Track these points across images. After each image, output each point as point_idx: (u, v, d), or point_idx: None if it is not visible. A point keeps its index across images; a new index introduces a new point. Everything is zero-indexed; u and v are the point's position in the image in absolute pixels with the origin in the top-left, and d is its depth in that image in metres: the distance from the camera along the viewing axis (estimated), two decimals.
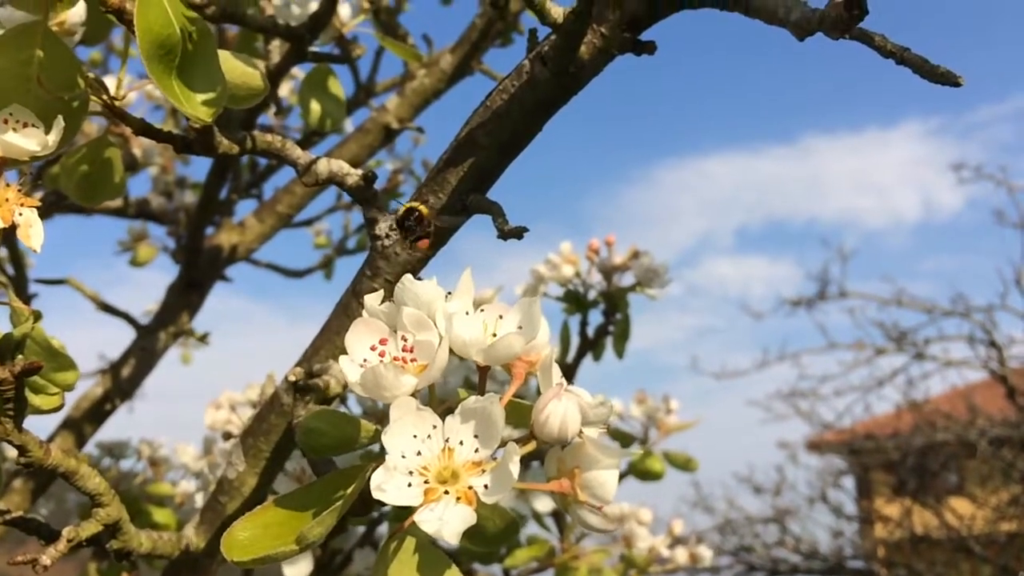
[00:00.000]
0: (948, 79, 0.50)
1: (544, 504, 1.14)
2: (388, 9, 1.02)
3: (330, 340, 0.67)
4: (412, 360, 0.41)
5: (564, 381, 0.43)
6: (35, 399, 0.55)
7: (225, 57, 0.54)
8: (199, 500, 0.86)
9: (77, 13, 0.58)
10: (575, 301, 1.24)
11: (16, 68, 0.51)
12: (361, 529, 1.02)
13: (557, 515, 1.23)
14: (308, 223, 1.94)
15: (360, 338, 0.42)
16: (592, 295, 1.25)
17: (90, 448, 1.24)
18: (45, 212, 0.50)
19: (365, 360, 0.42)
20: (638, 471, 1.33)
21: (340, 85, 0.91)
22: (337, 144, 1.19)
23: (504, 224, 0.59)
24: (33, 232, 0.46)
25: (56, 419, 1.24)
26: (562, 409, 0.41)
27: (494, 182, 0.63)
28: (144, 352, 1.15)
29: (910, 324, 6.55)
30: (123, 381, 1.16)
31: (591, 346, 1.24)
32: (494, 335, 0.43)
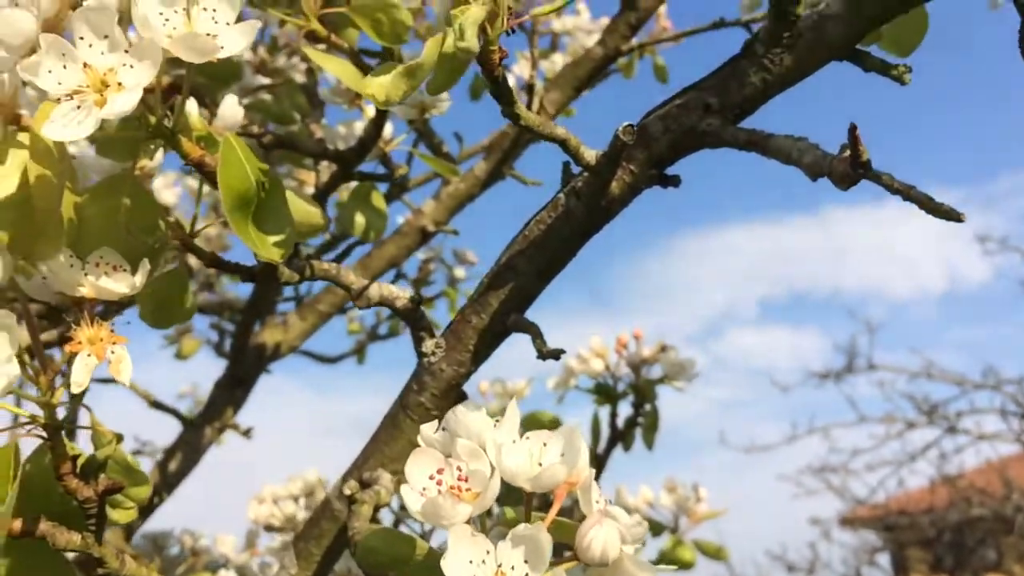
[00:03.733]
0: (951, 216, 0.54)
1: None
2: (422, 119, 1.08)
3: (379, 450, 0.71)
4: (467, 489, 0.46)
5: (603, 501, 0.47)
6: (112, 513, 0.60)
7: (290, 197, 0.60)
8: None
9: (157, 158, 0.64)
10: (605, 393, 1.28)
11: (106, 214, 0.57)
12: None
13: None
14: (343, 310, 2.01)
15: (419, 468, 0.46)
16: (621, 387, 1.29)
17: (136, 539, 1.28)
18: None
19: (424, 489, 0.46)
20: (669, 560, 1.35)
21: (382, 198, 0.97)
22: (376, 245, 1.25)
23: (543, 346, 0.63)
24: (123, 367, 0.51)
25: None
26: (603, 535, 0.45)
27: (532, 302, 0.68)
28: (190, 447, 1.20)
29: (941, 396, 6.47)
30: (170, 475, 1.20)
31: (621, 437, 1.28)
32: (540, 464, 0.47)
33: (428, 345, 0.68)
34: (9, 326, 0.49)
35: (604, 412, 1.29)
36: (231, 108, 0.61)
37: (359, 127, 1.01)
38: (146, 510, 1.21)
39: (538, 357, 0.63)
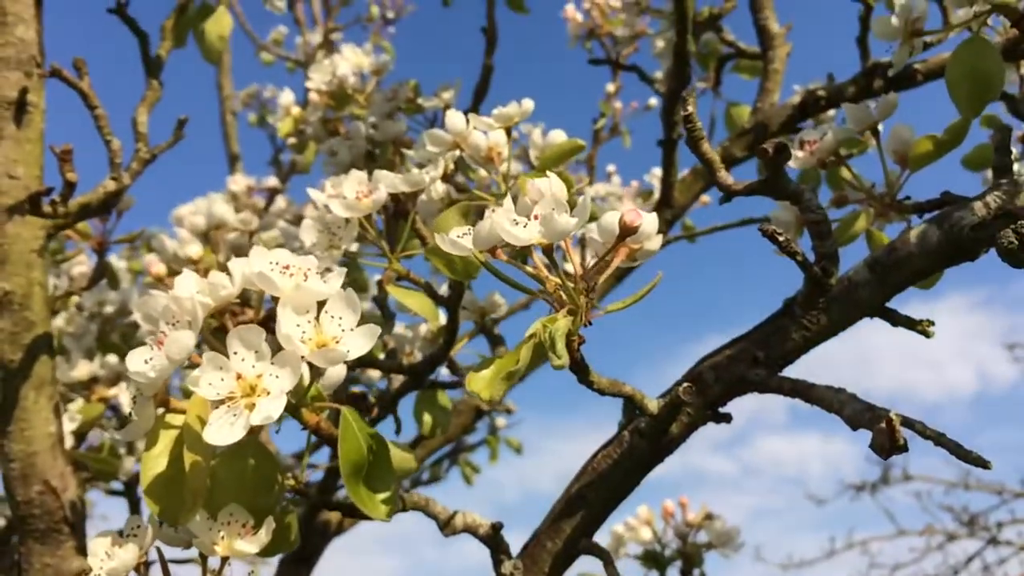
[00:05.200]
0: (979, 463, 0.62)
1: None
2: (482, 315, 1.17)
3: None
4: None
5: None
6: None
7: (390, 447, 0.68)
8: None
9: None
10: (654, 560, 1.33)
11: (235, 476, 0.65)
12: None
13: None
14: None
15: None
16: (668, 552, 1.34)
17: None
18: None
19: None
20: None
21: (447, 398, 1.06)
22: None
23: (614, 572, 0.70)
24: None
25: None
26: None
27: (600, 526, 0.75)
28: None
29: (980, 506, 6.35)
30: None
31: None
32: None
33: (507, 566, 0.75)
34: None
35: None
36: (337, 372, 0.70)
37: (423, 330, 1.10)
38: None
39: None
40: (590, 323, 0.60)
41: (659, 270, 0.87)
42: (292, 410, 0.64)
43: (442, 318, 1.05)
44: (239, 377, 0.56)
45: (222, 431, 0.55)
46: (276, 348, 0.57)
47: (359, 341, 0.58)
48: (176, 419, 0.62)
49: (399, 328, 1.11)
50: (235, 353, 0.56)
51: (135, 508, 1.26)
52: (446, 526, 0.74)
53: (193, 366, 0.59)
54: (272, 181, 1.51)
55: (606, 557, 0.72)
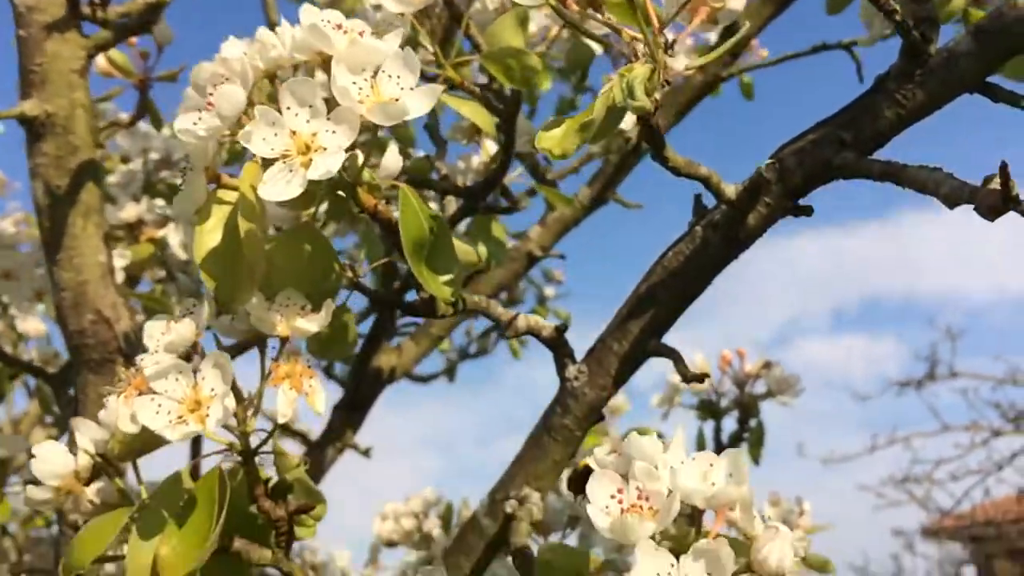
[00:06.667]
0: None
1: None
2: (532, 155, 1.13)
3: (524, 469, 0.75)
4: (649, 507, 0.50)
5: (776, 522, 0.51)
6: (297, 531, 0.65)
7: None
8: None
9: (322, 208, 0.70)
10: (709, 410, 1.31)
11: (291, 260, 0.62)
12: None
13: None
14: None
15: (601, 488, 0.50)
16: (725, 403, 1.32)
17: None
18: None
19: (607, 507, 0.50)
20: None
21: (502, 229, 1.02)
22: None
23: (686, 370, 0.67)
24: (318, 398, 0.57)
25: None
26: (779, 548, 0.48)
27: (669, 329, 0.72)
28: (314, 466, 1.26)
29: None
30: None
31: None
32: (712, 483, 0.51)
33: (571, 371, 0.72)
34: (223, 365, 0.55)
35: (708, 427, 1.32)
36: (393, 158, 0.66)
37: (476, 161, 1.06)
38: None
39: (683, 381, 0.67)
40: (668, 82, 0.55)
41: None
42: (349, 190, 0.61)
43: (492, 148, 1.01)
44: (293, 134, 0.52)
45: (278, 187, 0.52)
46: (332, 107, 0.53)
47: (419, 100, 0.54)
48: (229, 195, 0.59)
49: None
50: (288, 108, 0.53)
51: None
52: (508, 327, 0.71)
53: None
54: None
55: (676, 356, 0.69)
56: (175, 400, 0.55)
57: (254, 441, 0.61)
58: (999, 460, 6.10)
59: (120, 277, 1.08)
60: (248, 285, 0.58)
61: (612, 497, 0.51)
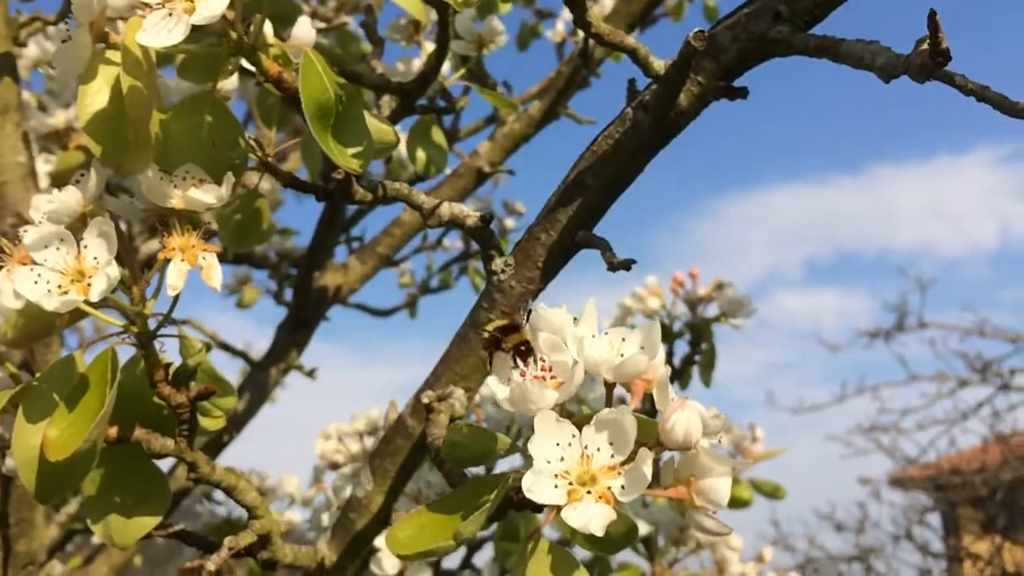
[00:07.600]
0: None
1: (640, 528, 1.17)
2: (477, 60, 1.09)
3: (450, 368, 0.73)
4: (551, 378, 0.47)
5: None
6: (203, 421, 0.62)
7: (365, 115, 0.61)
8: (325, 520, 0.93)
9: (231, 82, 0.66)
10: (661, 332, 1.29)
11: (190, 131, 0.59)
12: None
13: (647, 541, 1.26)
14: (394, 263, 2.03)
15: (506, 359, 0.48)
16: (677, 326, 1.30)
17: None
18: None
19: (510, 380, 0.47)
20: None
21: (442, 134, 0.98)
22: (432, 187, 1.26)
23: (612, 258, 0.64)
24: (214, 273, 0.53)
25: None
26: (686, 418, 0.46)
27: (600, 219, 0.69)
28: (257, 387, 1.24)
29: (994, 354, 6.36)
30: (238, 415, 1.24)
31: (678, 375, 1.28)
32: (620, 355, 0.48)
33: (498, 263, 0.69)
34: (108, 233, 0.51)
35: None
36: (305, 28, 0.62)
37: (416, 64, 1.02)
38: (215, 448, 1.25)
39: (608, 269, 0.64)
40: None
41: None
42: (250, 55, 0.57)
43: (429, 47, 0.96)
44: None
45: (160, 34, 0.48)
46: None
47: None
48: (117, 56, 0.55)
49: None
50: None
51: None
52: (431, 216, 0.68)
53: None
54: None
55: (604, 245, 0.66)
56: (56, 271, 0.51)
57: (153, 324, 0.57)
58: (965, 410, 6.19)
59: (45, 183, 1.03)
60: (138, 150, 0.54)
61: (514, 368, 0.48)
